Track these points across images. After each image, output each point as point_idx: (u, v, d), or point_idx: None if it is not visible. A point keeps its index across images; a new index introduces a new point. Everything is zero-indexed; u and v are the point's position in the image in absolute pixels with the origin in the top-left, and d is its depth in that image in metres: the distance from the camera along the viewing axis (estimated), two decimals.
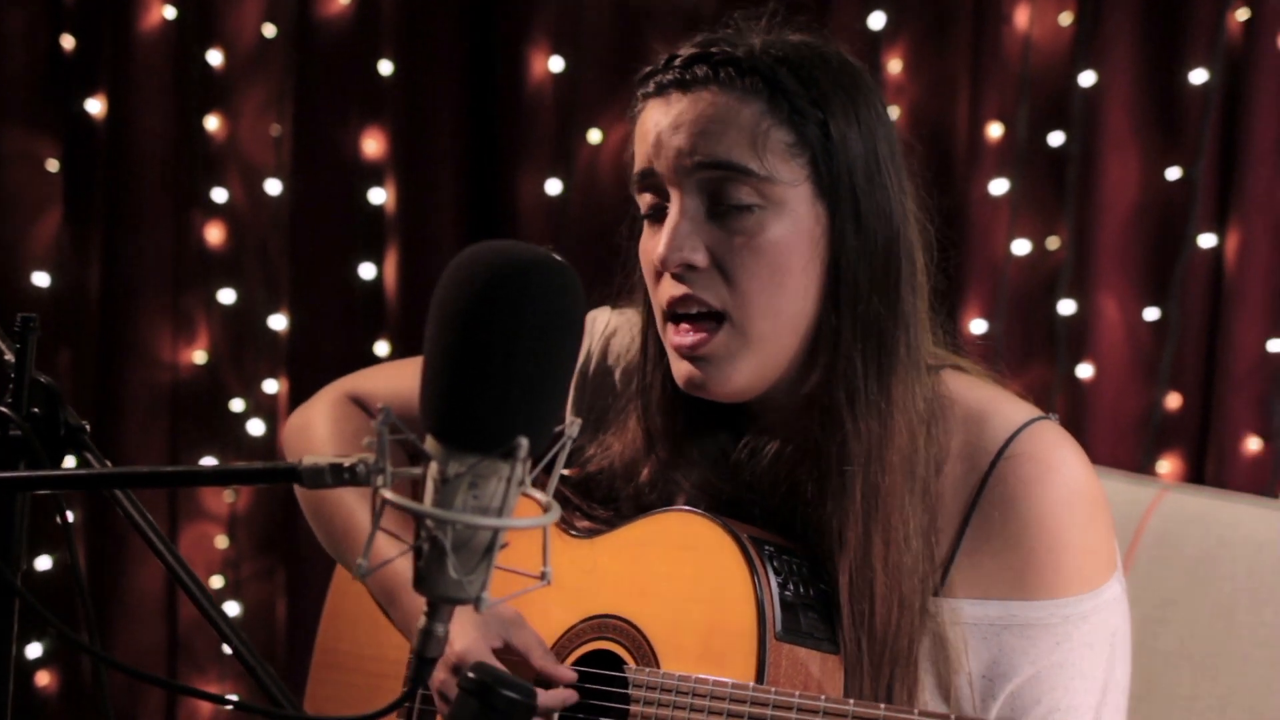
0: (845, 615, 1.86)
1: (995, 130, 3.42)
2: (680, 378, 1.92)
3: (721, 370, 1.89)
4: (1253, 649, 2.39)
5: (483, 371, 1.37)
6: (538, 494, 1.44)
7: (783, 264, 1.87)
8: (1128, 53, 3.32)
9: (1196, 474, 3.32)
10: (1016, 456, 1.88)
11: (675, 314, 1.90)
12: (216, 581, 3.85)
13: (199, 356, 3.83)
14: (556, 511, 1.45)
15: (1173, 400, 3.35)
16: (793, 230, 1.87)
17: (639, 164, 1.93)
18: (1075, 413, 3.37)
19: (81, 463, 1.80)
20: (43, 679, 3.84)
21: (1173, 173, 3.32)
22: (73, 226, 3.81)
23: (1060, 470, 1.87)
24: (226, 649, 3.81)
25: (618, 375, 2.11)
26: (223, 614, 1.75)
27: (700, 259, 1.87)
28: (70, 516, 3.72)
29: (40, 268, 3.78)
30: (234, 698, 1.70)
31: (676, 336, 1.91)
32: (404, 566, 2.04)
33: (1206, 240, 3.30)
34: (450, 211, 3.74)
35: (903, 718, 1.69)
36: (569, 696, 1.95)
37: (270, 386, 3.83)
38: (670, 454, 2.00)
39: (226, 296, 3.81)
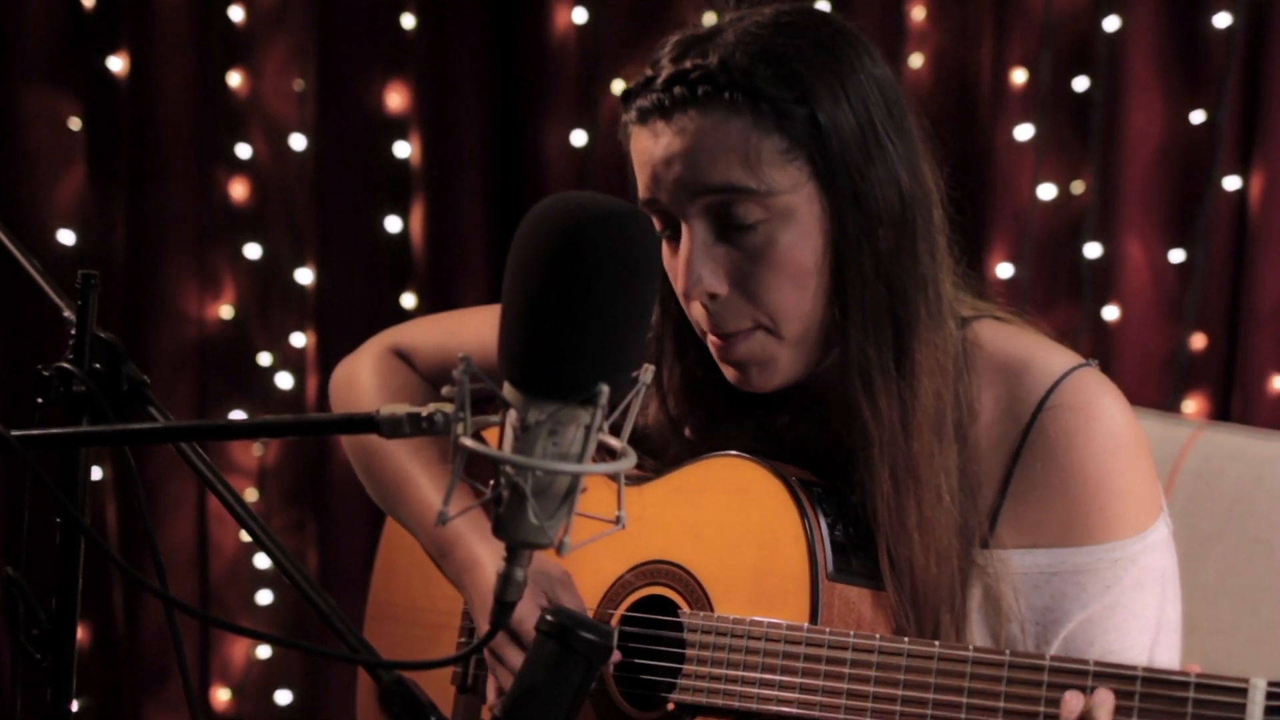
0: (890, 589, 1.88)
1: (1019, 76, 3.44)
2: (730, 379, 1.95)
3: (764, 369, 1.92)
4: None
5: (563, 321, 1.39)
6: (612, 440, 1.47)
7: (800, 269, 1.88)
8: None
9: (1222, 413, 3.36)
10: (1057, 407, 1.90)
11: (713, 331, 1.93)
12: (246, 535, 3.87)
13: (226, 311, 3.85)
14: (632, 457, 1.47)
15: (1198, 341, 3.39)
16: (802, 233, 1.88)
17: (642, 192, 1.93)
18: (1102, 354, 3.40)
19: (145, 418, 1.83)
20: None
21: (1196, 116, 3.35)
22: (97, 184, 3.82)
23: (1101, 419, 1.89)
24: (259, 599, 3.86)
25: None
26: (298, 565, 1.78)
27: (720, 287, 1.89)
28: (99, 474, 3.75)
29: (65, 225, 3.79)
30: (311, 645, 1.73)
31: (714, 344, 1.93)
32: (458, 520, 2.06)
33: (1231, 183, 3.33)
34: (475, 164, 3.75)
35: (959, 653, 1.72)
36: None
37: (298, 340, 3.85)
38: (699, 435, 2.02)
39: (252, 251, 3.83)
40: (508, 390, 1.42)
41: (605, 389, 1.40)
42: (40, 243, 3.77)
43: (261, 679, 3.92)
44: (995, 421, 1.93)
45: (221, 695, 3.90)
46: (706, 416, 2.04)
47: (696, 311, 1.93)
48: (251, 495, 3.90)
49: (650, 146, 1.89)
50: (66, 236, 3.79)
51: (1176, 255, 3.38)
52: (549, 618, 1.52)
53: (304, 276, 3.83)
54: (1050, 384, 1.91)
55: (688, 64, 1.87)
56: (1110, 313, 3.42)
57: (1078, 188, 3.44)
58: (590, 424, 1.43)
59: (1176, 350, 3.38)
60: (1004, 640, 1.89)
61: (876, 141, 1.88)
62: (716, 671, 1.88)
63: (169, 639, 3.97)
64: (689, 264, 1.88)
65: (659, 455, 2.07)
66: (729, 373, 1.94)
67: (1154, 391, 3.37)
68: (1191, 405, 3.39)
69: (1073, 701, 1.67)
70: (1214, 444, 2.55)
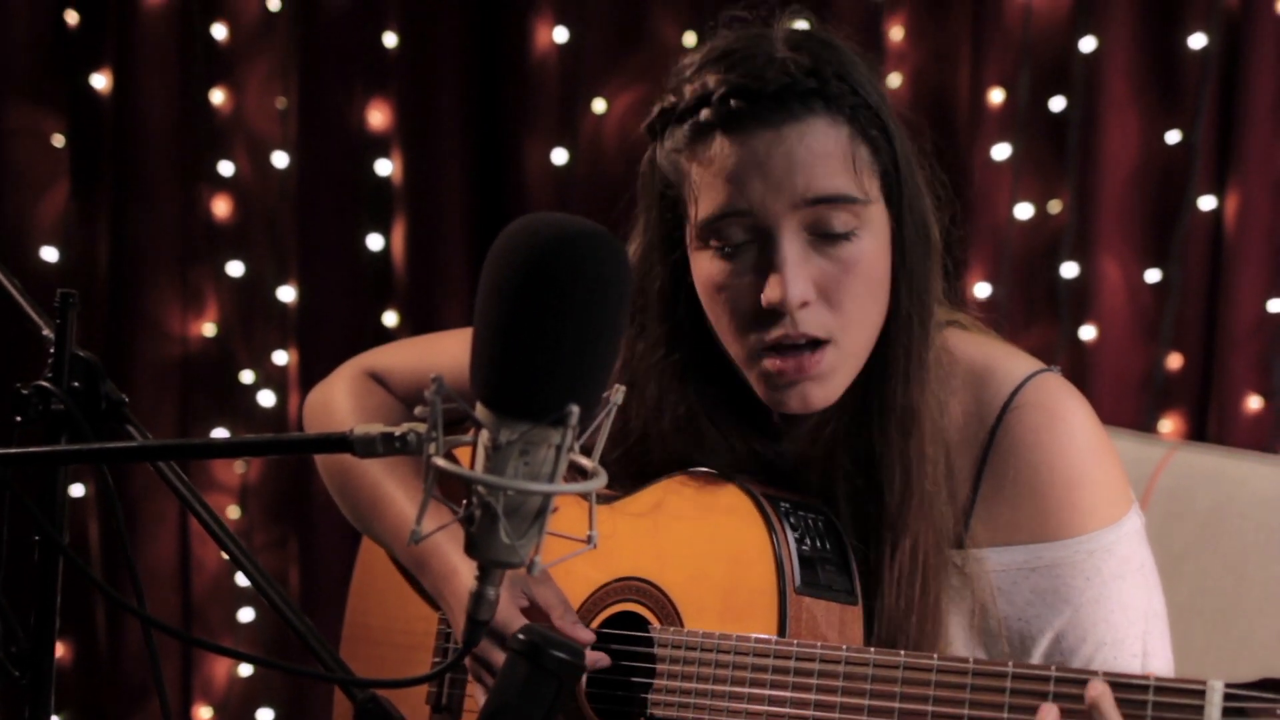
0: (891, 595, 1.89)
1: (997, 96, 3.46)
2: (779, 403, 1.92)
3: (824, 388, 1.91)
4: (1263, 602, 2.45)
5: (533, 342, 1.41)
6: (583, 460, 1.49)
7: (878, 279, 1.91)
8: (1127, 18, 3.37)
9: (1198, 433, 3.38)
10: (1022, 407, 1.94)
11: (781, 346, 1.90)
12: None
13: (208, 329, 3.86)
14: (603, 477, 1.49)
15: (1174, 360, 3.41)
16: (879, 245, 1.91)
17: (720, 204, 1.89)
18: (1078, 373, 3.42)
19: (122, 436, 1.84)
20: (57, 650, 3.87)
21: (1172, 136, 3.38)
22: (80, 201, 3.83)
23: (1065, 417, 1.93)
24: (241, 617, 3.87)
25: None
26: (273, 582, 1.79)
27: (813, 295, 1.89)
28: (81, 490, 3.76)
29: (49, 242, 3.80)
30: (287, 664, 1.74)
31: (777, 365, 1.90)
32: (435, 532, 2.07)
33: (1206, 202, 3.36)
34: (457, 181, 3.77)
35: (922, 663, 1.74)
36: (599, 658, 1.99)
37: (280, 358, 3.87)
38: (700, 441, 2.03)
39: (235, 269, 3.84)
40: (480, 410, 1.44)
41: (575, 409, 1.41)
42: (23, 260, 3.78)
43: (243, 697, 3.93)
44: (962, 426, 1.97)
45: (204, 713, 3.91)
46: (694, 446, 2.04)
47: (770, 329, 1.89)
48: (234, 513, 3.90)
49: (741, 153, 1.87)
50: (50, 253, 3.80)
51: (1153, 275, 3.41)
52: (520, 636, 1.54)
53: (286, 294, 3.85)
54: (1014, 386, 1.95)
55: (772, 74, 1.86)
56: (1087, 332, 3.44)
57: (1055, 207, 3.46)
58: (561, 444, 1.45)
59: (1153, 370, 3.40)
60: (984, 637, 1.91)
61: (910, 155, 1.94)
62: (687, 686, 1.90)
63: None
64: (791, 273, 1.86)
65: (630, 469, 2.08)
66: (780, 397, 1.91)
67: (1130, 411, 3.39)
68: (1168, 425, 3.41)
69: (1047, 715, 1.69)
70: (1187, 464, 2.57)
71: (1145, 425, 3.37)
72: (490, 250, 1.45)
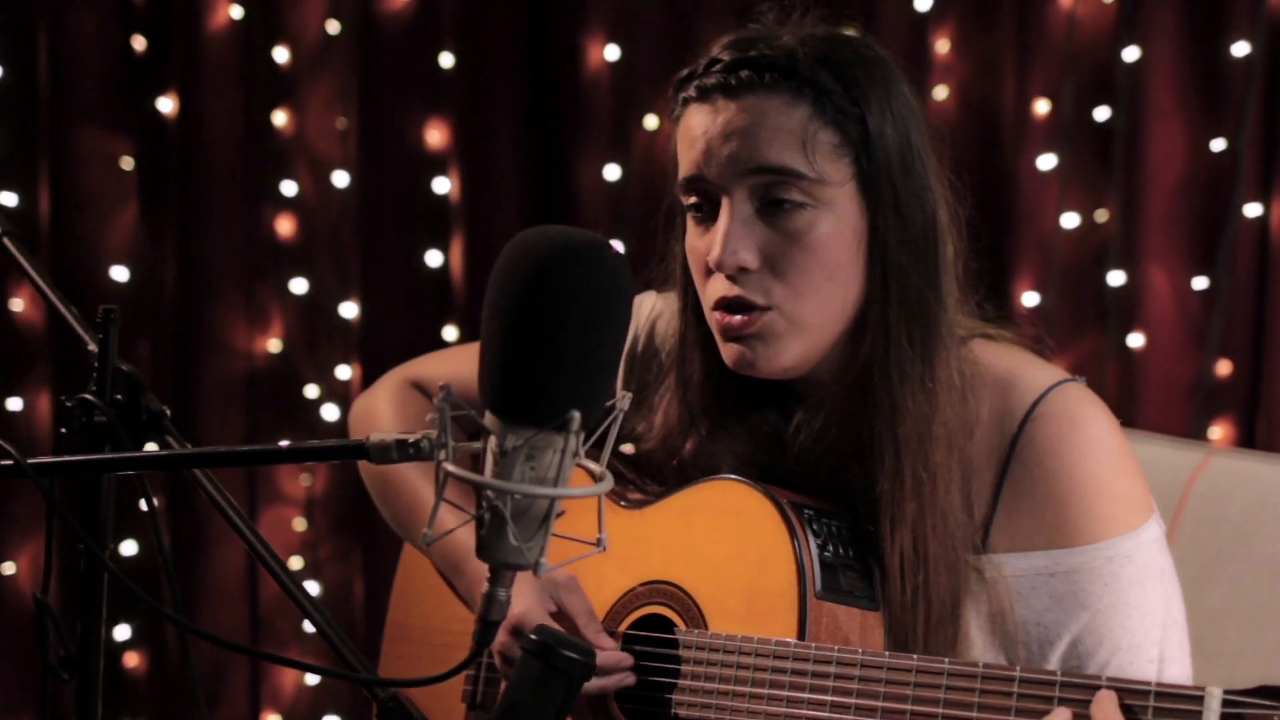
0: (897, 586, 1.94)
1: (1042, 107, 3.49)
2: (730, 358, 2.01)
3: (770, 348, 1.98)
4: None
5: (535, 350, 1.46)
6: (591, 464, 1.54)
7: (831, 259, 1.96)
8: (1170, 27, 3.38)
9: (1248, 439, 3.38)
10: (1043, 416, 1.96)
11: (726, 304, 1.98)
12: (295, 563, 3.96)
13: (273, 345, 3.94)
14: (609, 481, 1.54)
15: (1223, 367, 3.41)
16: (839, 227, 1.96)
17: (686, 169, 2.00)
18: (1127, 381, 3.43)
19: (163, 446, 1.91)
20: (131, 660, 3.96)
21: (1217, 144, 3.39)
22: (148, 222, 3.92)
23: (1086, 426, 1.95)
24: (308, 627, 3.94)
25: (664, 356, 2.20)
26: (301, 587, 1.85)
27: (752, 260, 1.96)
28: (155, 501, 3.86)
29: (118, 262, 3.90)
30: (314, 664, 1.80)
31: (724, 320, 1.99)
32: (467, 537, 2.12)
33: (1252, 209, 3.36)
34: (512, 198, 3.83)
35: (934, 666, 1.78)
36: (623, 659, 2.04)
37: (343, 373, 3.94)
38: (710, 432, 2.09)
39: (298, 286, 3.92)
40: (488, 417, 1.49)
41: (577, 415, 1.46)
42: (94, 279, 3.87)
43: (311, 704, 4.00)
44: (986, 435, 2.00)
45: None
46: (721, 412, 2.09)
47: (714, 287, 1.99)
48: (300, 525, 3.98)
49: (707, 122, 1.97)
50: (120, 273, 3.89)
51: (1200, 282, 3.41)
52: (533, 637, 1.58)
53: (348, 310, 3.92)
54: (1036, 396, 1.98)
55: (754, 52, 1.96)
56: (1135, 340, 3.45)
57: (1101, 216, 3.47)
58: (564, 449, 1.50)
59: (1201, 377, 3.41)
60: (1003, 642, 1.94)
61: (913, 159, 1.98)
62: (710, 687, 1.95)
63: (220, 665, 4.05)
64: (726, 235, 1.95)
65: (659, 475, 2.14)
66: (731, 351, 2.00)
67: (1179, 418, 3.40)
68: (1217, 431, 3.41)
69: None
70: (1223, 469, 2.58)
71: (1195, 432, 3.38)
72: (496, 262, 1.51)
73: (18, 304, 3.83)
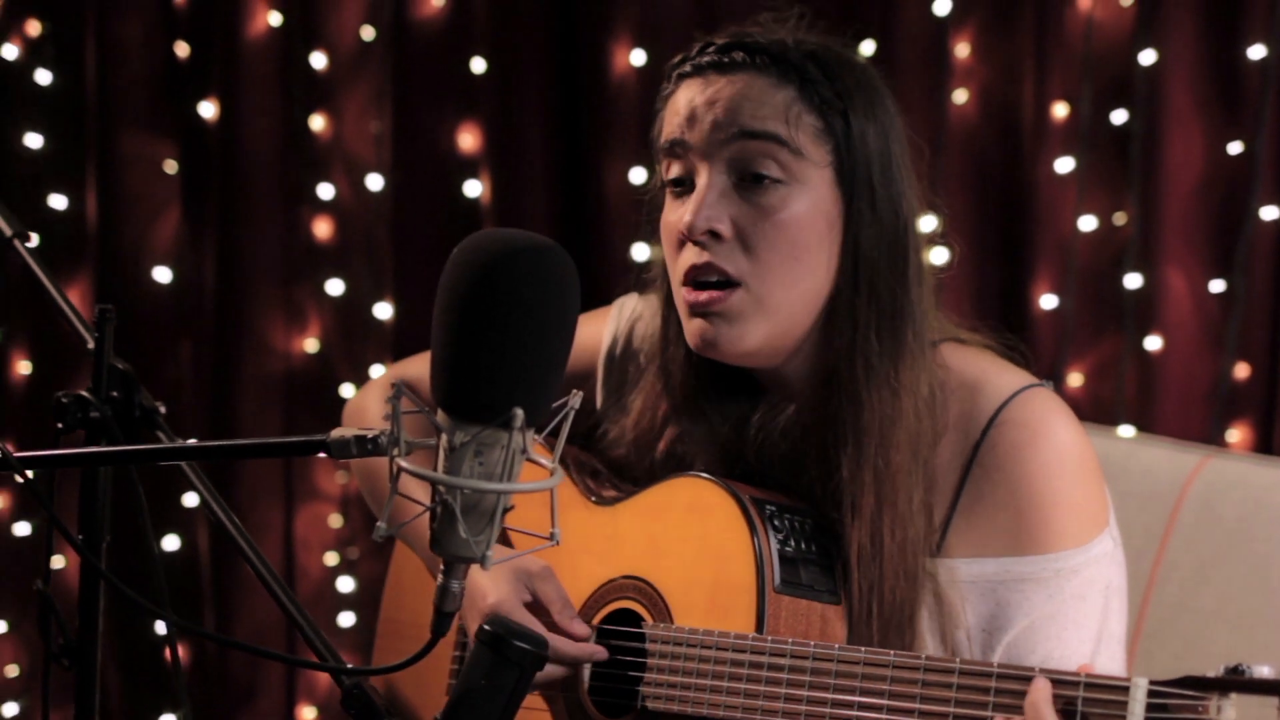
0: (854, 581, 1.98)
1: (1060, 110, 3.51)
2: (693, 336, 2.04)
3: (734, 328, 2.02)
4: None
5: (476, 348, 1.52)
6: (543, 460, 1.58)
7: (802, 239, 2.00)
8: (1187, 31, 3.39)
9: (1265, 442, 3.38)
10: (1006, 423, 1.99)
11: (695, 281, 2.03)
12: (331, 559, 4.03)
13: (310, 345, 4.01)
14: (559, 476, 1.58)
15: (1241, 370, 3.41)
16: (813, 209, 2.00)
17: (668, 134, 2.05)
18: (1145, 384, 3.44)
19: (154, 441, 1.97)
20: (167, 654, 4.05)
21: (1234, 147, 3.39)
22: (190, 224, 4.00)
23: (1048, 435, 1.98)
24: (341, 622, 4.01)
25: (642, 357, 2.25)
26: (274, 574, 1.91)
27: (725, 229, 2.00)
28: (195, 500, 3.92)
29: (162, 263, 3.98)
30: (279, 653, 1.86)
31: (691, 296, 2.03)
32: None
33: (1269, 213, 3.36)
34: (541, 201, 3.88)
35: (879, 658, 1.82)
36: (596, 651, 2.09)
37: (378, 372, 4.00)
38: (688, 418, 2.13)
39: (335, 287, 3.99)
40: (440, 415, 1.55)
41: (520, 412, 1.51)
42: (138, 280, 3.96)
43: None
44: (951, 439, 2.03)
45: (307, 714, 4.06)
46: (700, 399, 2.14)
47: (685, 257, 2.03)
48: (335, 521, 4.04)
49: (695, 93, 2.03)
50: (162, 274, 3.97)
51: (1217, 285, 3.42)
52: (486, 628, 1.64)
53: (383, 311, 3.99)
54: (1000, 402, 2.01)
55: (748, 40, 2.03)
56: (1153, 343, 3.46)
57: (1119, 219, 3.48)
58: (509, 445, 1.55)
59: (1219, 380, 3.41)
60: (950, 645, 1.97)
61: (892, 168, 2.04)
62: (674, 679, 1.99)
63: (258, 660, 4.11)
64: (701, 201, 2.00)
65: (636, 469, 2.19)
66: (694, 328, 2.04)
67: (1197, 421, 3.40)
68: (1235, 435, 3.41)
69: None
70: (1220, 471, 2.59)
71: (1212, 435, 3.38)
72: (446, 263, 1.57)
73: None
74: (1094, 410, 3.45)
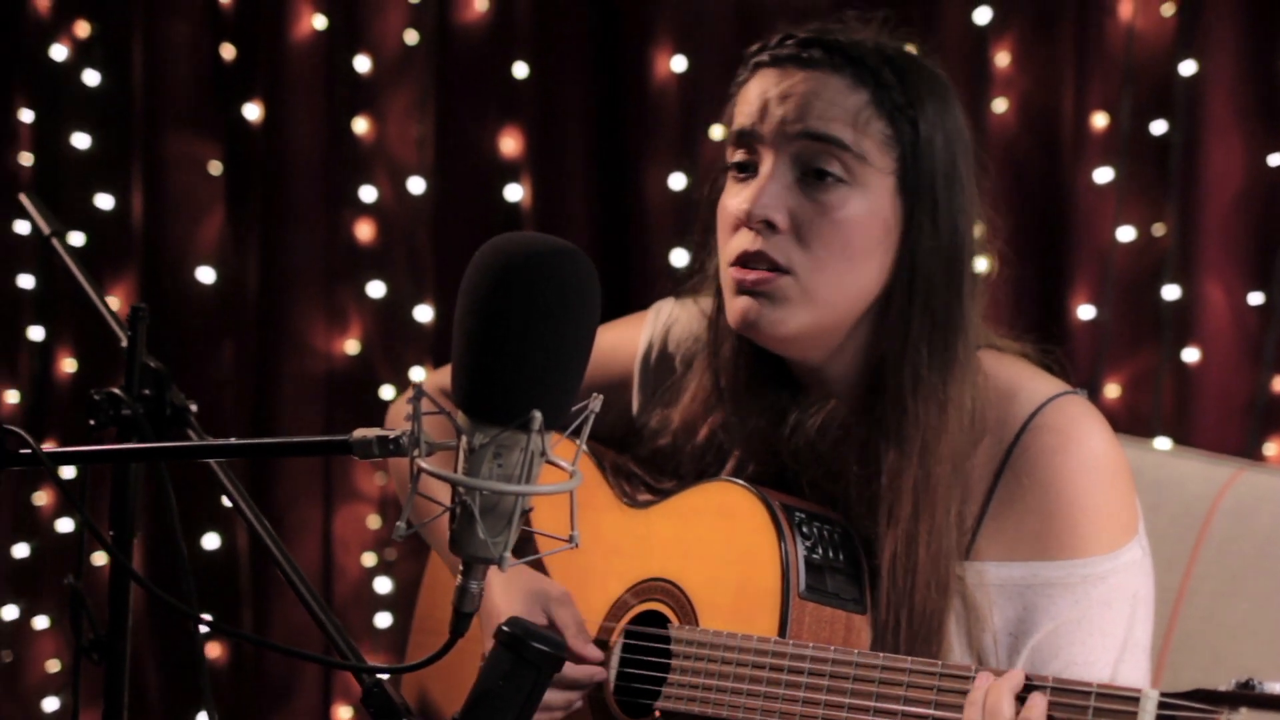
0: (884, 589, 1.99)
1: (1100, 120, 3.50)
2: (735, 314, 2.05)
3: (777, 311, 2.03)
4: None
5: (496, 351, 1.53)
6: (563, 462, 1.60)
7: (856, 240, 2.01)
8: (1228, 42, 3.38)
9: None
10: (1039, 428, 2.00)
11: (744, 263, 2.04)
12: (369, 560, 4.05)
13: (351, 346, 4.04)
14: (578, 479, 1.59)
15: (1279, 384, 3.40)
16: (871, 213, 2.02)
17: (739, 122, 2.08)
18: (1182, 396, 3.43)
19: (185, 439, 1.99)
20: (213, 651, 4.08)
21: (1275, 159, 3.37)
22: (233, 225, 4.03)
23: (1080, 441, 1.98)
24: (378, 622, 4.03)
25: (678, 361, 2.26)
26: (298, 572, 1.93)
27: (781, 220, 2.02)
28: (233, 498, 3.94)
29: (206, 263, 4.02)
30: (300, 651, 1.88)
31: (739, 274, 2.04)
32: None
33: None
34: (582, 206, 3.89)
35: (899, 665, 1.83)
36: (596, 674, 2.11)
37: (418, 374, 4.03)
38: (731, 407, 2.14)
39: (376, 289, 4.01)
40: (460, 416, 1.56)
41: (538, 415, 1.53)
42: (183, 280, 4.00)
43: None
44: (984, 443, 2.04)
45: (343, 713, 4.09)
46: (743, 385, 2.15)
47: (738, 241, 2.04)
48: (374, 522, 4.07)
49: (770, 84, 2.05)
50: (206, 274, 4.01)
51: (1256, 298, 3.40)
52: (505, 629, 1.65)
53: (423, 313, 4.01)
54: (1034, 407, 2.02)
55: (829, 37, 2.05)
56: (1191, 355, 3.44)
57: (1158, 230, 3.47)
58: (528, 447, 1.56)
59: (1256, 393, 3.39)
60: (978, 648, 1.98)
61: (957, 179, 2.05)
62: (696, 680, 2.01)
63: (295, 659, 4.12)
64: (762, 189, 2.02)
65: (675, 469, 2.20)
66: (738, 306, 2.04)
67: (1235, 434, 3.38)
68: (1272, 448, 3.39)
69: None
70: (1252, 484, 2.58)
71: (1249, 448, 3.36)
72: (468, 266, 1.58)
73: (114, 301, 3.96)
74: (1130, 422, 3.43)
